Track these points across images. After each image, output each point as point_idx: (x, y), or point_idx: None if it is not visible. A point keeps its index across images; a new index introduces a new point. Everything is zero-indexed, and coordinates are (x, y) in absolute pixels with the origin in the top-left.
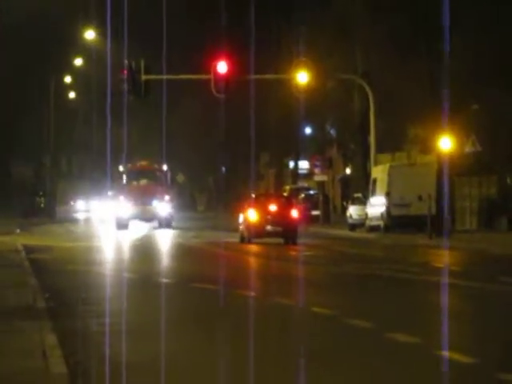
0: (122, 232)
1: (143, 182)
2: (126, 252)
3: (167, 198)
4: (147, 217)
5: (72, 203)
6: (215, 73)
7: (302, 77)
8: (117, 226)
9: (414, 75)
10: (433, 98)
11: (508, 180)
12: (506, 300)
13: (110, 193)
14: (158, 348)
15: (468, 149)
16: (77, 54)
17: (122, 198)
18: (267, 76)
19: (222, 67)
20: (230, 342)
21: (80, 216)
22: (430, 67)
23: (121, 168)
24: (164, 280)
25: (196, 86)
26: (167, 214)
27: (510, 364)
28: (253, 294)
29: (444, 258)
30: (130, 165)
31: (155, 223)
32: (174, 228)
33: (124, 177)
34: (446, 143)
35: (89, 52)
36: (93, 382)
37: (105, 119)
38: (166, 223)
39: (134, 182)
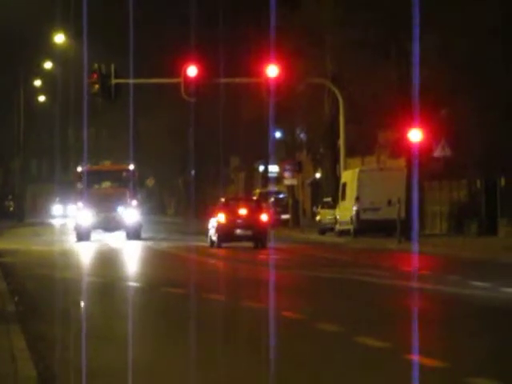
0: (82, 244)
1: (106, 184)
2: (94, 256)
3: (135, 203)
4: (111, 226)
5: (46, 208)
6: (185, 76)
7: (272, 81)
8: (77, 236)
9: (384, 79)
10: (402, 102)
11: (478, 184)
12: (474, 304)
13: (71, 198)
14: (126, 352)
15: (438, 153)
16: (46, 58)
17: (80, 204)
18: (237, 80)
19: (192, 71)
20: (198, 346)
21: (56, 221)
22: (399, 71)
23: (79, 169)
24: (132, 284)
25: (166, 89)
26: (135, 223)
27: (479, 368)
28: (223, 298)
29: (413, 262)
30: (89, 165)
31: (121, 233)
32: (143, 239)
33: (83, 179)
34: (415, 147)
35: (58, 55)
36: None
37: (75, 122)
38: (133, 233)
39: (96, 186)
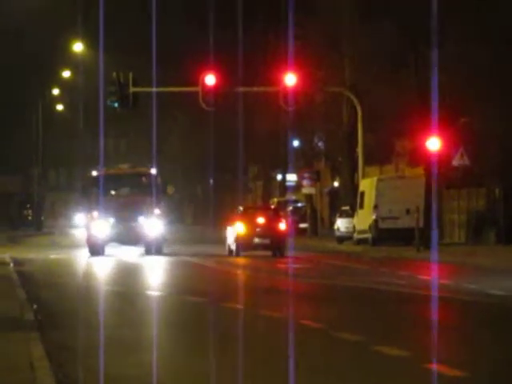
0: (95, 259)
1: (124, 191)
2: (112, 266)
3: (157, 212)
4: (130, 239)
5: (65, 217)
6: (203, 85)
7: (290, 89)
8: (89, 250)
9: (403, 87)
10: (421, 110)
11: (496, 193)
12: (495, 313)
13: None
14: (146, 360)
15: (456, 162)
16: (65, 67)
17: (95, 213)
18: (255, 88)
19: (210, 79)
20: (218, 354)
21: (77, 231)
22: (418, 79)
23: (94, 173)
24: (151, 293)
25: (185, 97)
26: (157, 236)
27: (499, 378)
28: (242, 307)
29: (432, 271)
30: (105, 168)
31: (141, 247)
32: (165, 254)
33: (99, 185)
34: (433, 156)
35: (77, 64)
36: None
37: (93, 131)
38: (155, 248)
39: (112, 192)
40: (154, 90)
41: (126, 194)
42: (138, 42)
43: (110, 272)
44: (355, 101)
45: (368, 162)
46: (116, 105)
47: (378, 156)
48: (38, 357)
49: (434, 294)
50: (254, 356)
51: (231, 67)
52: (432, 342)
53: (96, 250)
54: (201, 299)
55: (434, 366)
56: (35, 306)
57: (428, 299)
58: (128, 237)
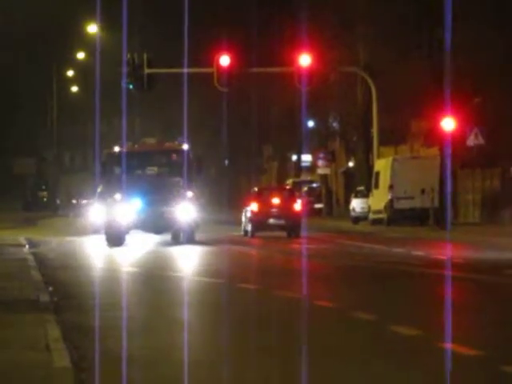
0: (114, 250)
1: (151, 170)
2: (128, 248)
3: (190, 195)
4: (158, 226)
5: (83, 201)
6: (218, 66)
7: (304, 69)
8: (107, 239)
9: (417, 68)
10: (436, 90)
11: (511, 172)
12: (509, 292)
13: (98, 189)
14: (162, 341)
15: (470, 142)
16: (79, 48)
17: (117, 196)
18: (269, 69)
19: (225, 60)
20: (236, 333)
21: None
22: (432, 60)
23: (116, 149)
24: (167, 274)
25: (199, 78)
26: (190, 222)
27: None
28: (257, 287)
29: (447, 250)
30: (129, 144)
31: (169, 235)
32: (197, 243)
33: (121, 164)
34: (448, 136)
35: (92, 46)
36: (97, 377)
37: (109, 113)
38: (187, 236)
39: (138, 172)
40: (167, 70)
41: (153, 173)
42: (154, 24)
43: (126, 253)
44: (369, 81)
45: (383, 142)
46: (131, 86)
47: (393, 136)
48: (54, 338)
49: (449, 273)
50: (269, 335)
51: (246, 48)
52: (447, 321)
53: (116, 238)
54: (218, 280)
55: (449, 345)
56: (51, 288)
57: (443, 278)
58: (155, 224)
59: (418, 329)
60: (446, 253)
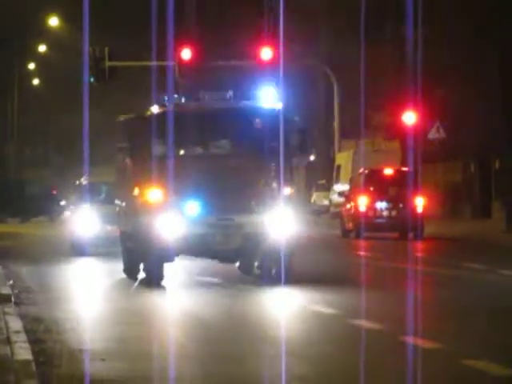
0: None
1: (220, 148)
2: None
3: (288, 193)
4: (229, 249)
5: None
6: (179, 59)
7: (266, 63)
8: (128, 270)
9: (379, 61)
10: (397, 84)
11: (472, 167)
12: (469, 286)
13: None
14: (125, 334)
15: (432, 135)
16: (41, 41)
17: (153, 195)
18: (232, 63)
19: (186, 54)
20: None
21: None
22: (394, 53)
23: (155, 109)
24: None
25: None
26: (288, 242)
27: (474, 350)
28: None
29: (408, 244)
30: (176, 101)
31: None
32: (291, 281)
33: (159, 138)
34: (409, 130)
35: (53, 39)
36: (58, 369)
37: (70, 106)
38: (281, 267)
39: (194, 151)
40: (129, 63)
41: (223, 153)
42: (115, 17)
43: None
44: (331, 74)
45: (344, 135)
46: (92, 79)
47: (355, 130)
48: (15, 331)
49: (410, 266)
50: None
51: (208, 41)
52: (408, 315)
53: (141, 269)
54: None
55: (410, 339)
56: (11, 281)
57: (403, 272)
58: (223, 244)
59: (378, 323)
60: (408, 246)
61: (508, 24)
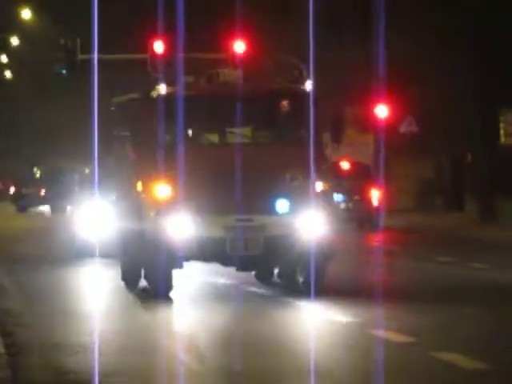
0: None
1: (239, 136)
2: None
3: (320, 188)
4: (250, 255)
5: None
6: (152, 52)
7: (240, 56)
8: (126, 279)
9: (352, 56)
10: (370, 77)
11: (444, 160)
12: (442, 279)
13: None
14: (93, 328)
15: (404, 129)
16: (13, 33)
17: (161, 191)
18: (205, 55)
19: (159, 46)
20: None
21: None
22: (367, 48)
23: (162, 89)
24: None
25: (134, 65)
26: (323, 247)
27: (444, 343)
28: None
29: (379, 237)
30: (189, 80)
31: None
32: (323, 289)
33: (169, 123)
34: (381, 123)
35: (25, 31)
36: (29, 362)
37: (41, 99)
38: (313, 276)
39: (208, 138)
40: (102, 56)
41: (243, 141)
42: (87, 10)
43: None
44: (303, 69)
45: None
46: (64, 71)
47: (328, 123)
48: None
49: (382, 259)
50: None
51: (180, 34)
52: (380, 308)
53: (144, 276)
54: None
55: (382, 332)
56: None
57: (376, 265)
58: (243, 249)
59: (352, 316)
60: (379, 239)
61: (483, 18)
